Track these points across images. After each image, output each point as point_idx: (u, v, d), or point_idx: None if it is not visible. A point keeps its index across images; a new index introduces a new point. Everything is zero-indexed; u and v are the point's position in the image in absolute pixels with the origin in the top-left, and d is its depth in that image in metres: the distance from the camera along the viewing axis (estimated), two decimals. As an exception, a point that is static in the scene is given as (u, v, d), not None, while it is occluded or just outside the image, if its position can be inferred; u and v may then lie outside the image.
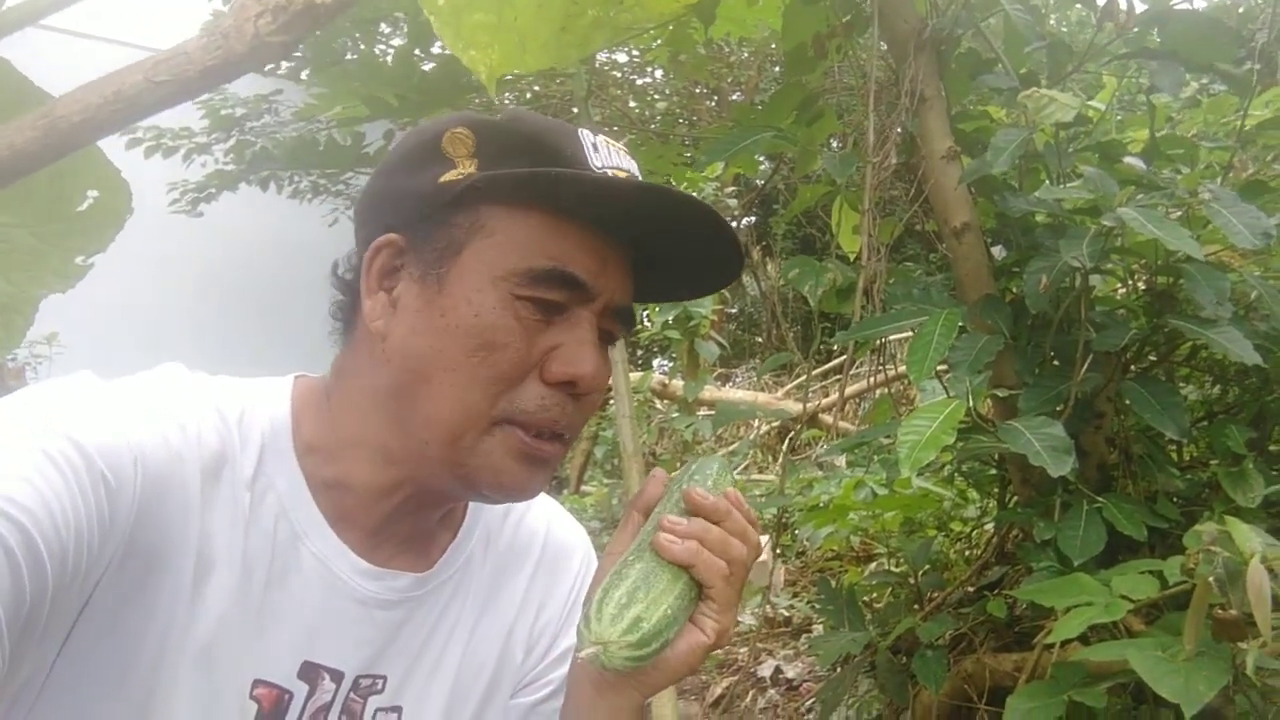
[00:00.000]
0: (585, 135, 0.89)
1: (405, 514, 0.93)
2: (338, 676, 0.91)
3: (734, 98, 8.67)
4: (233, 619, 0.84)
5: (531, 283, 0.85)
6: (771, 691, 3.31)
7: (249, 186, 5.68)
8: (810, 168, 2.97)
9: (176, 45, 0.41)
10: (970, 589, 2.73)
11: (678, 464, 4.93)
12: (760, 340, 9.49)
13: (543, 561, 1.08)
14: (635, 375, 6.05)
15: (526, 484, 0.88)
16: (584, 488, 7.17)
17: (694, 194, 0.92)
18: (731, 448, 6.55)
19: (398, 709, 0.95)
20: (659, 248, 0.91)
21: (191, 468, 0.82)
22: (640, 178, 0.91)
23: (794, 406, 4.55)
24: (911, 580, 2.85)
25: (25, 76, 0.65)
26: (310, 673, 0.89)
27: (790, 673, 3.39)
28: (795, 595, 4.03)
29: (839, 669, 2.85)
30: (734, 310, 9.92)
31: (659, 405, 6.60)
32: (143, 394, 0.84)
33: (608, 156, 0.89)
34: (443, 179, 0.86)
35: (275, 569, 0.87)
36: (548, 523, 1.11)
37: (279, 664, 0.87)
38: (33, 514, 0.67)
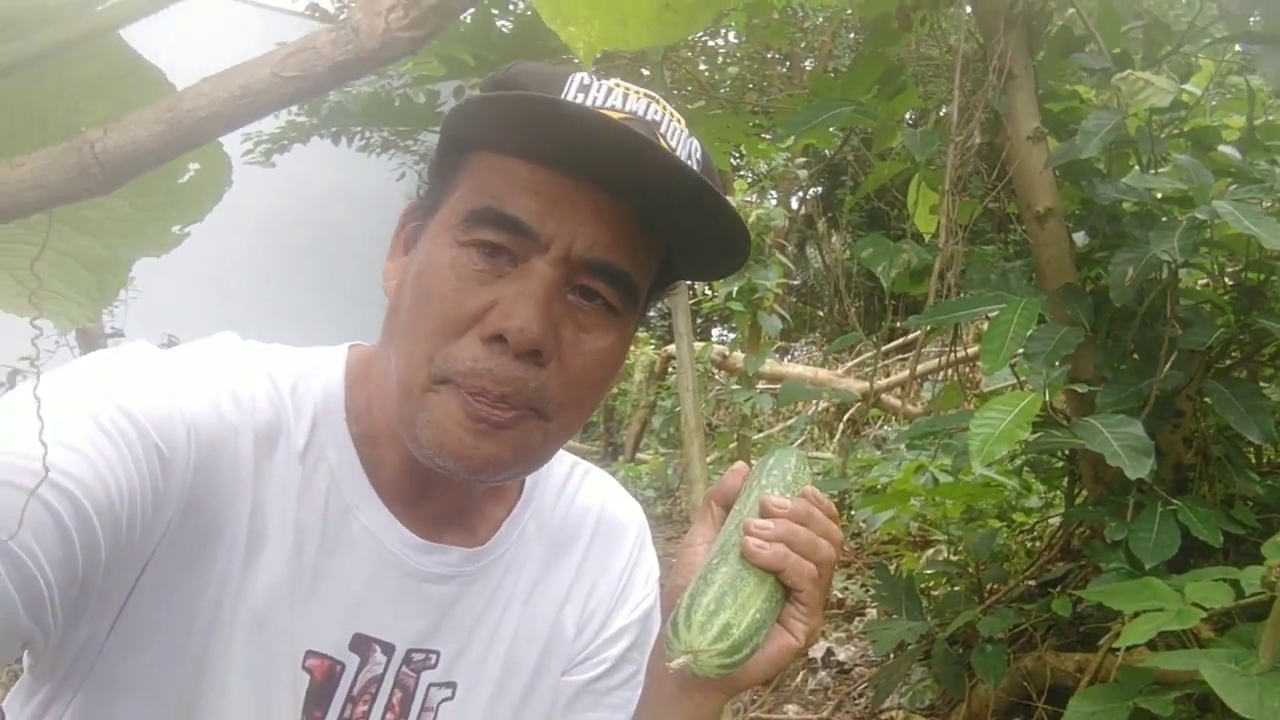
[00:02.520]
0: (577, 78, 0.81)
1: (441, 488, 0.90)
2: (389, 649, 0.90)
3: (806, 64, 8.53)
4: (285, 590, 0.83)
5: (470, 226, 0.79)
6: (822, 673, 3.29)
7: (319, 139, 5.71)
8: (888, 143, 2.90)
9: (304, 39, 0.39)
10: (1032, 584, 2.68)
11: (735, 436, 4.89)
12: (822, 314, 9.39)
13: (596, 539, 1.06)
14: (695, 347, 6.02)
15: (474, 452, 0.79)
16: (639, 455, 7.19)
17: (683, 152, 0.82)
18: (789, 423, 6.49)
19: (452, 685, 0.94)
20: (654, 209, 0.81)
21: (245, 437, 0.81)
22: (660, 125, 0.81)
23: (858, 386, 4.48)
24: (971, 571, 2.80)
25: (139, 55, 0.63)
26: (362, 645, 0.88)
27: (842, 655, 3.36)
28: (849, 577, 3.98)
29: (893, 656, 2.82)
30: (796, 283, 9.83)
31: (718, 377, 6.57)
32: (196, 363, 0.83)
33: (601, 97, 0.81)
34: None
35: (327, 541, 0.86)
36: (602, 500, 1.08)
37: (331, 635, 0.87)
38: (84, 484, 0.67)
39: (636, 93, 0.82)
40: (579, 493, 1.06)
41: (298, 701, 0.85)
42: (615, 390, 7.54)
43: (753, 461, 0.97)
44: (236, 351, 0.88)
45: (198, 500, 0.77)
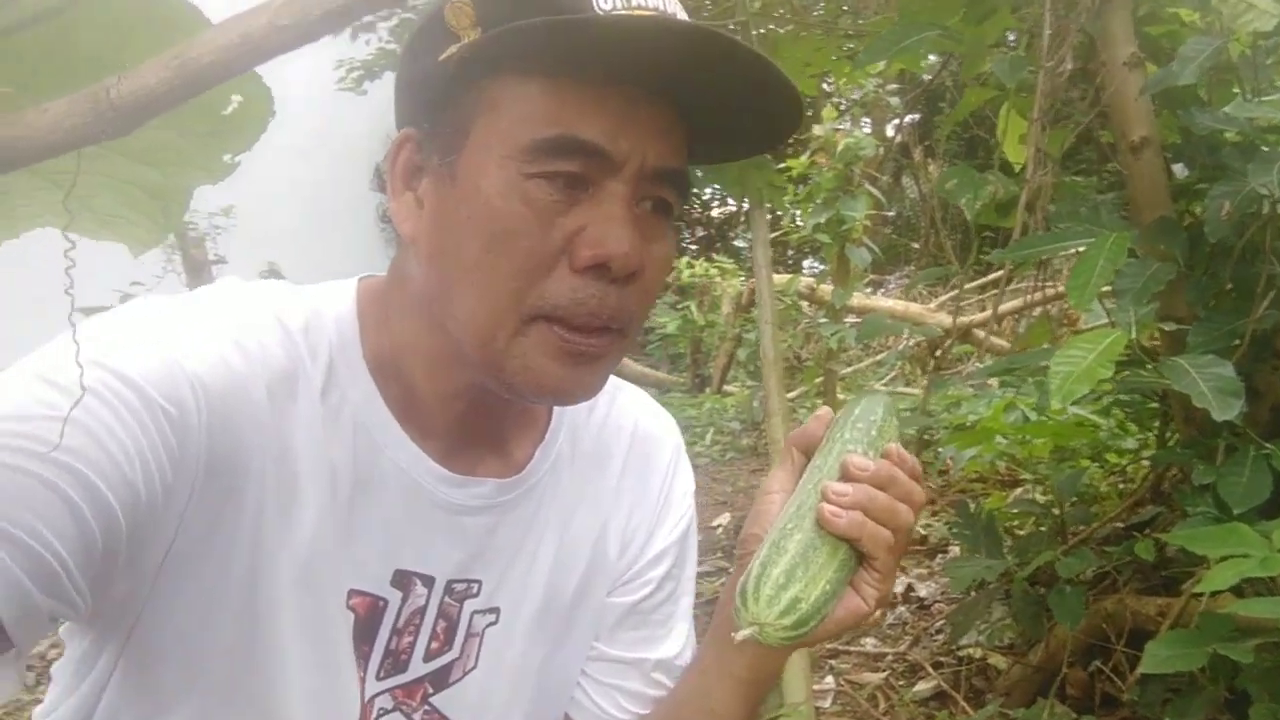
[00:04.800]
0: None
1: (477, 418, 0.90)
2: (429, 582, 0.91)
3: (906, -14, 8.20)
4: (323, 533, 0.84)
5: (538, 157, 0.76)
6: (901, 608, 3.29)
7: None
8: (978, 69, 2.78)
9: None
10: (1119, 526, 2.61)
11: (821, 371, 4.84)
12: (916, 246, 9.17)
13: (631, 457, 1.05)
14: (782, 278, 5.95)
15: (573, 385, 0.82)
16: (726, 388, 7.19)
17: (732, 34, 0.81)
18: (879, 357, 6.42)
19: (495, 610, 0.96)
20: (698, 95, 0.79)
21: (257, 387, 0.80)
22: (681, 18, 0.79)
23: (945, 320, 4.39)
24: (1056, 511, 2.75)
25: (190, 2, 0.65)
26: (402, 580, 0.90)
27: (922, 592, 3.34)
28: (934, 514, 3.94)
29: (972, 594, 2.80)
30: (890, 214, 9.60)
31: (806, 309, 6.50)
32: (197, 316, 0.82)
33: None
34: (442, 57, 0.78)
35: (359, 481, 0.86)
36: (635, 417, 1.07)
37: (371, 573, 0.88)
38: (87, 457, 0.67)
39: None
40: (611, 411, 1.05)
41: (347, 639, 0.88)
42: (702, 322, 7.52)
43: (840, 398, 0.96)
44: (240, 298, 0.87)
45: (218, 457, 0.77)
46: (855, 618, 0.84)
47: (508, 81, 0.77)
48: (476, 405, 0.89)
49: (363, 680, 0.89)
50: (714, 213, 13.09)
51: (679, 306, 8.19)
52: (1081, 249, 2.14)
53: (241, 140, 0.81)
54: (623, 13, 0.76)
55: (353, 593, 0.87)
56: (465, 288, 0.79)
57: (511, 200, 0.76)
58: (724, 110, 0.81)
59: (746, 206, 2.63)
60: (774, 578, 0.78)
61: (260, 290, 0.89)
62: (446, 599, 0.93)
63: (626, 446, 1.05)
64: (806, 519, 0.81)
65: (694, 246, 12.25)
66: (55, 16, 0.46)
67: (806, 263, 9.16)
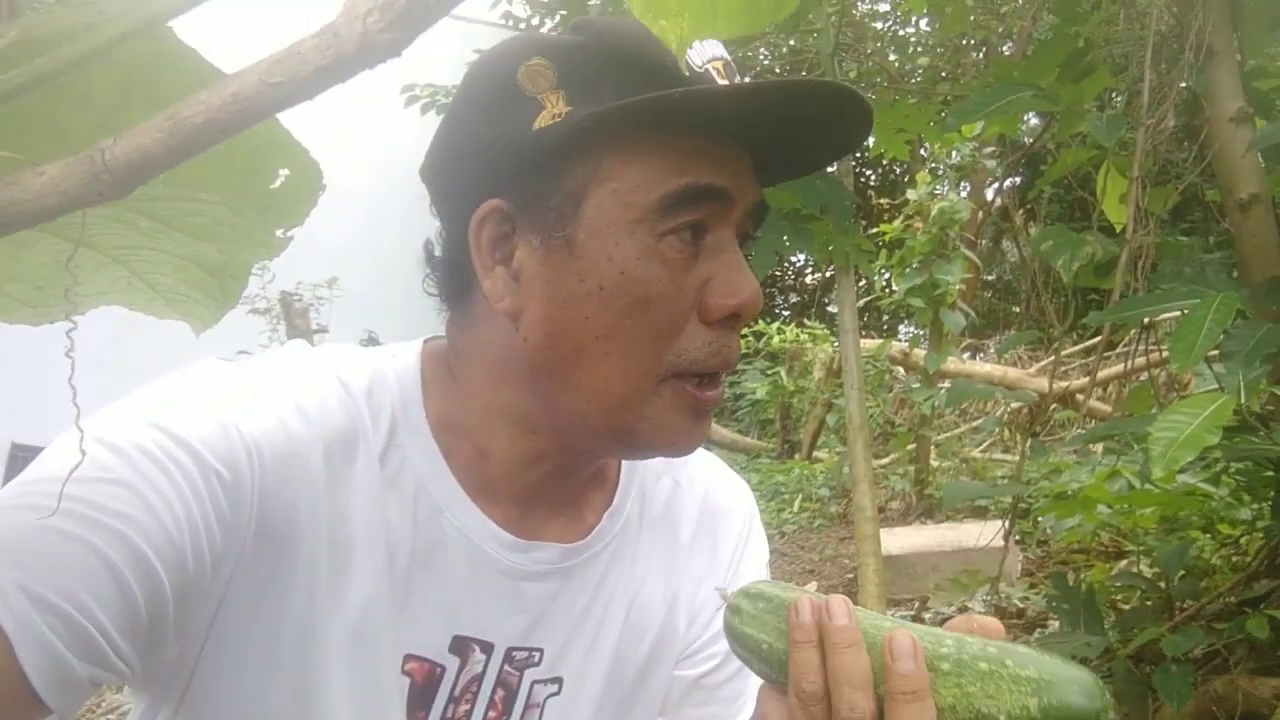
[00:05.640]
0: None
1: (552, 481, 0.88)
2: (488, 648, 0.88)
3: (1005, 50, 8.15)
4: (380, 597, 0.82)
5: (669, 212, 0.76)
6: (996, 685, 3.13)
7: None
8: (1076, 128, 2.73)
9: (291, 45, 0.40)
10: (1231, 601, 2.47)
11: (913, 437, 4.71)
12: (1017, 310, 8.97)
13: (701, 526, 1.01)
14: (873, 343, 5.85)
15: (697, 437, 0.83)
16: (816, 455, 7.06)
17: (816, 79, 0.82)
18: (976, 423, 6.24)
19: (558, 680, 0.92)
20: (781, 137, 0.81)
21: (314, 450, 0.79)
22: (726, 56, 0.82)
23: (1042, 385, 4.26)
24: (1163, 585, 2.61)
25: (193, 50, 0.64)
26: (461, 646, 0.87)
27: (1018, 668, 3.18)
28: (1032, 586, 3.78)
29: (1071, 671, 2.66)
30: (990, 277, 9.42)
31: (900, 375, 6.37)
32: (258, 379, 0.81)
33: (701, 47, 0.79)
34: (537, 125, 0.76)
35: (419, 545, 0.84)
36: (705, 484, 1.03)
37: (429, 639, 0.86)
38: (134, 521, 0.66)
39: (713, 42, 0.82)
40: (680, 476, 1.02)
41: (401, 705, 0.84)
42: (792, 387, 7.43)
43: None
44: (302, 360, 0.86)
45: (270, 521, 0.76)
46: None
47: (615, 145, 0.77)
48: (556, 469, 0.88)
49: None
50: (808, 279, 13.03)
51: (769, 372, 8.13)
52: (1185, 310, 2.06)
53: (292, 215, 0.79)
54: (709, 65, 0.79)
55: (409, 657, 0.85)
56: (599, 357, 0.78)
57: (649, 265, 0.76)
58: (801, 144, 0.84)
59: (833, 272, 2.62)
60: None
61: (324, 352, 0.88)
62: (506, 667, 0.89)
63: (696, 514, 1.01)
64: None
65: (786, 312, 12.19)
66: (57, 78, 0.46)
67: (901, 328, 9.01)
